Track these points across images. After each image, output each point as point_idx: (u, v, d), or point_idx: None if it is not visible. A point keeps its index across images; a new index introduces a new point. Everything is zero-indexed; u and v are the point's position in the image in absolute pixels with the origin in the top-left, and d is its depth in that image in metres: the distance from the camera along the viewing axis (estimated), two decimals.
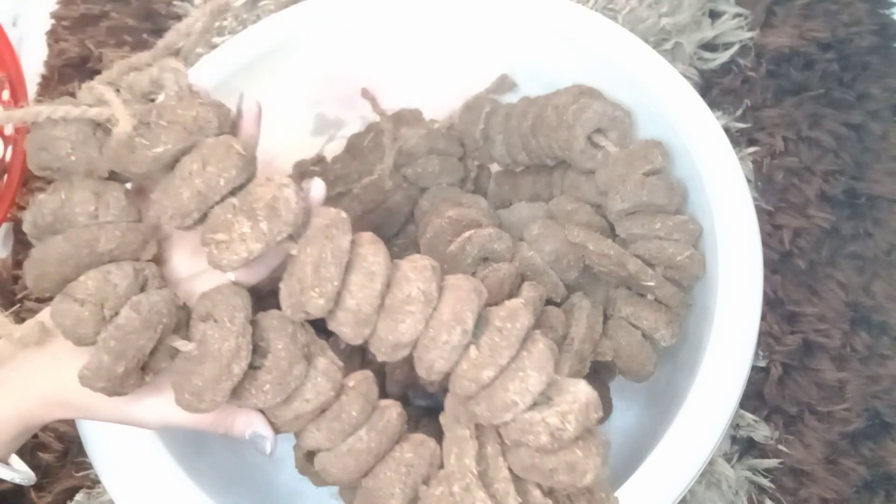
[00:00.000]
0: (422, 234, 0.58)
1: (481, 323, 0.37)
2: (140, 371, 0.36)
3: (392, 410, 0.41)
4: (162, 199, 0.36)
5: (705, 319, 0.50)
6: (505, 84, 0.64)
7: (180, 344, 0.37)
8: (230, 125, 0.38)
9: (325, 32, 0.62)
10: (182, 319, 0.38)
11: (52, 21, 0.87)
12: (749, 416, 0.65)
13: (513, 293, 0.53)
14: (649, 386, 0.57)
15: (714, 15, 0.81)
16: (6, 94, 0.76)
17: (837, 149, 0.74)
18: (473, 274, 0.53)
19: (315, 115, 0.67)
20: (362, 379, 0.40)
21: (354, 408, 0.39)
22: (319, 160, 0.67)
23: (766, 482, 0.63)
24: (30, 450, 0.67)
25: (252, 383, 0.37)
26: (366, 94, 0.66)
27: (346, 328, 0.36)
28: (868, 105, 0.76)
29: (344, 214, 0.37)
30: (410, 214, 0.64)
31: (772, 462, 0.64)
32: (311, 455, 0.41)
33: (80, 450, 0.64)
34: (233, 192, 0.36)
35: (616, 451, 0.60)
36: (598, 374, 0.58)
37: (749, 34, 0.79)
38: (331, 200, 0.64)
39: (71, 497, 0.65)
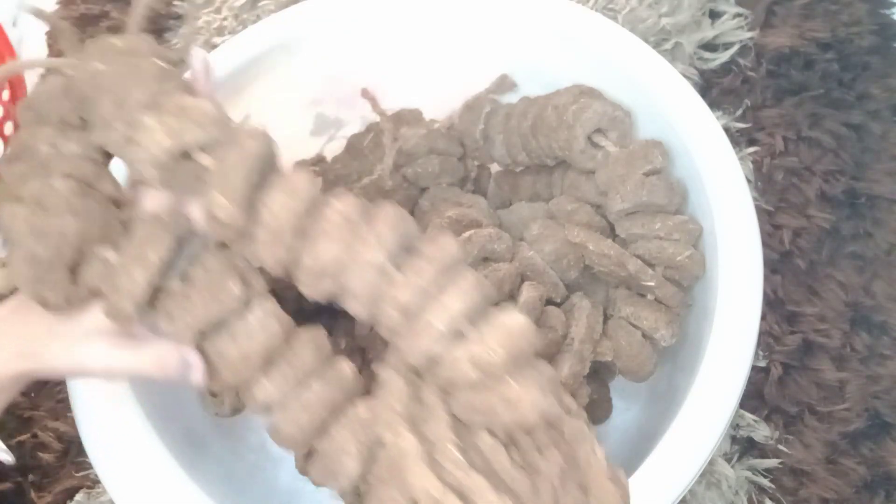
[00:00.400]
0: None
1: (411, 252, 0.36)
2: (68, 273, 0.37)
3: (345, 364, 0.40)
4: (93, 115, 0.37)
5: (705, 319, 0.50)
6: (505, 84, 0.64)
7: (110, 254, 0.37)
8: (167, 60, 0.39)
9: (325, 32, 0.62)
10: (120, 236, 0.38)
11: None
12: (749, 416, 0.65)
13: (513, 293, 0.53)
14: (649, 386, 0.57)
15: (714, 15, 0.81)
16: (6, 95, 0.76)
17: (837, 149, 0.74)
18: None
19: (315, 115, 0.67)
20: (314, 329, 0.40)
21: (305, 353, 0.39)
22: (319, 160, 0.67)
23: (766, 482, 0.63)
24: (30, 450, 0.67)
25: (182, 298, 0.37)
26: (366, 94, 0.66)
27: (264, 249, 0.36)
28: (868, 105, 0.76)
29: (262, 130, 0.37)
30: (411, 214, 0.64)
31: (772, 462, 0.64)
32: (310, 454, 0.41)
33: (80, 450, 0.64)
34: (152, 103, 0.36)
35: (616, 451, 0.60)
36: (598, 374, 0.58)
37: (749, 34, 0.79)
38: None
39: (71, 497, 0.65)
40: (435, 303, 0.35)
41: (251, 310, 0.38)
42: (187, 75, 0.41)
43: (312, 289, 0.37)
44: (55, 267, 0.36)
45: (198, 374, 0.39)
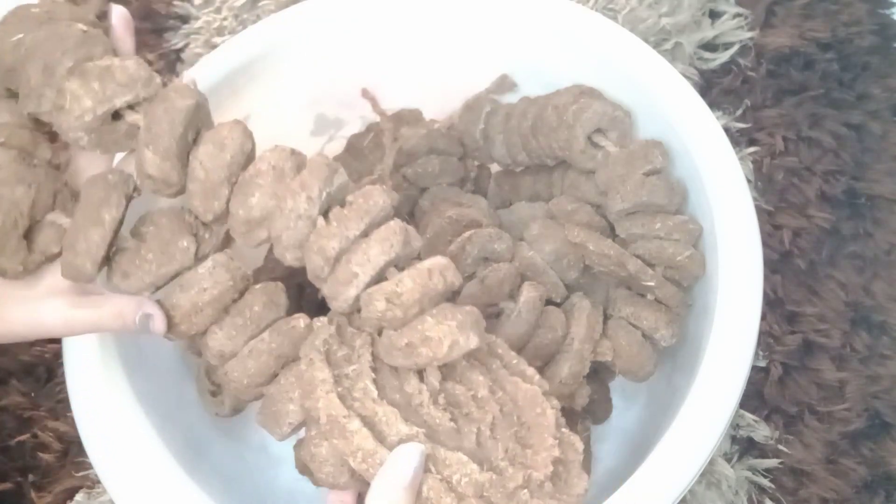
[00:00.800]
0: (422, 234, 0.58)
1: (336, 202, 0.37)
2: (23, 241, 0.37)
3: (300, 320, 0.41)
4: (20, 84, 0.37)
5: (705, 319, 0.50)
6: (505, 84, 0.64)
7: (59, 218, 0.38)
8: (89, 22, 0.39)
9: (325, 32, 0.62)
10: (67, 199, 0.39)
11: None
12: (749, 416, 0.65)
13: (513, 293, 0.53)
14: (649, 386, 0.57)
15: (714, 15, 0.81)
16: None
17: (837, 149, 0.74)
18: (473, 274, 0.53)
19: (315, 115, 0.67)
20: (272, 286, 0.41)
21: (257, 304, 0.40)
22: None
23: (766, 482, 0.63)
24: (30, 450, 0.67)
25: (136, 255, 0.38)
26: (366, 94, 0.66)
27: (197, 200, 0.37)
28: (868, 105, 0.76)
29: (192, 86, 0.38)
30: (410, 214, 0.64)
31: (772, 462, 0.64)
32: (308, 454, 0.41)
33: (80, 450, 0.64)
34: (77, 68, 0.37)
35: (616, 451, 0.60)
36: (598, 374, 0.58)
37: (749, 34, 0.79)
38: None
39: (71, 497, 0.65)
40: (357, 251, 0.36)
41: (204, 266, 0.39)
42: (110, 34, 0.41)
43: (246, 238, 0.38)
44: (10, 236, 0.37)
45: (159, 323, 0.39)
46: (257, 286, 0.41)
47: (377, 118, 0.65)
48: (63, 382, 0.55)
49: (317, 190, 0.36)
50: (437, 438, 0.35)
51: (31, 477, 0.66)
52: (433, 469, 0.34)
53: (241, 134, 0.37)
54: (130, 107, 0.37)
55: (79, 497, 0.65)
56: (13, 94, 0.40)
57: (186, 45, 0.84)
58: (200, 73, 0.59)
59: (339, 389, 0.35)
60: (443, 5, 0.62)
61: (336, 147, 0.67)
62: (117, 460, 0.47)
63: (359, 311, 0.38)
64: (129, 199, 0.38)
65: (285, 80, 0.63)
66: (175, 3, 0.87)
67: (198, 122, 0.38)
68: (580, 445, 0.38)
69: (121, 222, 0.38)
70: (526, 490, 0.35)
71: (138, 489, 0.46)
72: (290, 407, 0.40)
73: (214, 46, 0.65)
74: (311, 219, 0.36)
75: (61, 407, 0.68)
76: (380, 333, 0.38)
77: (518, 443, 0.37)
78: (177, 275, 0.39)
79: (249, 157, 0.38)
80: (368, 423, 0.35)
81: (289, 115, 0.65)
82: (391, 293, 0.36)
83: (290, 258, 0.38)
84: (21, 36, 0.37)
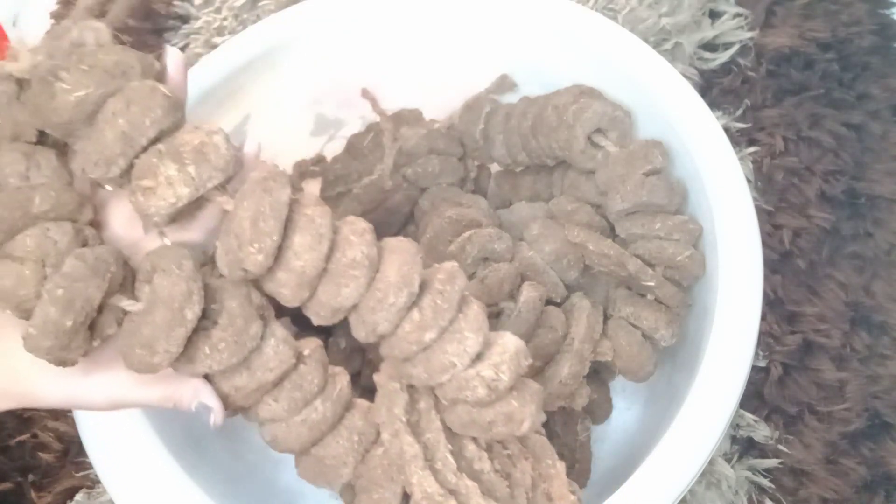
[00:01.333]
0: (422, 234, 0.58)
1: (421, 285, 0.37)
2: (88, 332, 0.34)
3: (343, 378, 0.40)
4: (85, 146, 0.34)
5: (705, 319, 0.50)
6: (505, 84, 0.64)
7: (127, 304, 0.35)
8: (155, 75, 0.36)
9: (325, 32, 0.62)
10: (128, 279, 0.36)
11: (52, 21, 0.87)
12: (749, 416, 0.65)
13: (513, 293, 0.53)
14: (649, 386, 0.57)
15: (714, 15, 0.81)
16: None
17: (837, 149, 0.74)
18: (473, 274, 0.53)
19: (315, 115, 0.67)
20: (316, 347, 0.40)
21: (315, 377, 0.39)
22: (319, 160, 0.67)
23: (766, 482, 0.63)
24: (30, 450, 0.67)
25: (206, 342, 0.35)
26: (366, 94, 0.66)
27: (287, 290, 0.35)
28: (868, 105, 0.76)
29: (281, 169, 0.36)
30: (410, 214, 0.64)
31: (772, 462, 0.64)
32: (303, 455, 0.41)
33: (80, 450, 0.64)
34: (159, 138, 0.34)
35: (616, 451, 0.60)
36: (598, 374, 0.58)
37: (749, 34, 0.79)
38: (331, 200, 0.64)
39: (71, 497, 0.65)
40: (453, 341, 0.36)
41: (267, 342, 0.37)
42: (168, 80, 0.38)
43: (326, 321, 0.37)
44: (79, 332, 0.34)
45: (218, 416, 0.37)
46: (307, 354, 0.39)
47: (377, 118, 0.65)
48: None
49: (416, 285, 0.36)
50: None
51: (31, 477, 0.66)
52: None
53: (330, 218, 0.36)
54: (217, 188, 0.35)
55: (79, 497, 0.65)
56: (45, 141, 0.37)
57: (186, 45, 0.84)
58: (200, 73, 0.59)
59: (426, 463, 0.37)
60: (443, 5, 0.62)
61: (336, 147, 0.67)
62: (117, 460, 0.47)
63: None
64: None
65: (285, 80, 0.63)
66: (175, 3, 0.87)
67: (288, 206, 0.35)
68: (580, 494, 0.41)
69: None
70: None
71: (138, 489, 0.46)
72: (342, 470, 0.39)
73: (214, 46, 0.65)
74: (408, 310, 0.36)
75: None
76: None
77: (546, 498, 0.40)
78: (243, 361, 0.37)
79: (332, 241, 0.36)
80: (456, 498, 0.36)
81: (289, 115, 0.65)
82: (491, 382, 0.36)
83: (370, 339, 0.37)
84: (89, 91, 0.33)
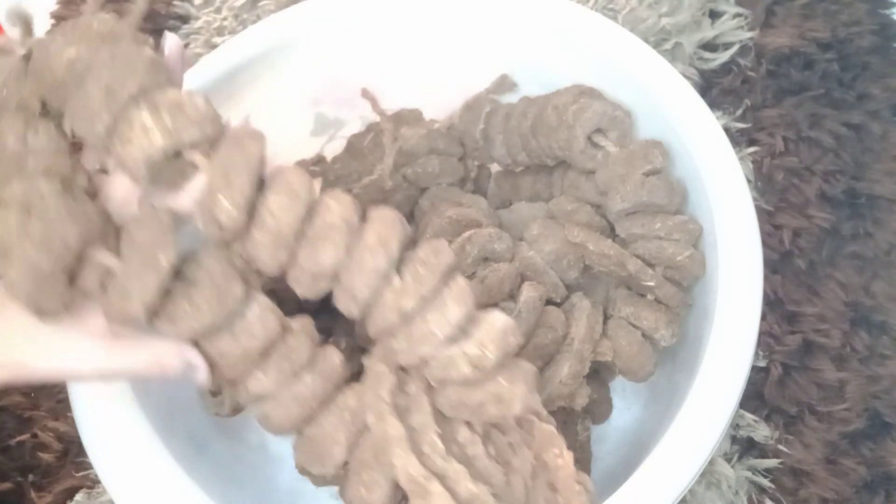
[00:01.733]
0: (422, 234, 0.58)
1: (405, 257, 0.37)
2: (67, 281, 0.35)
3: (335, 355, 0.40)
4: (73, 104, 0.35)
5: (705, 319, 0.50)
6: (505, 84, 0.64)
7: (106, 257, 0.36)
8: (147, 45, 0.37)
9: (325, 32, 0.62)
10: (111, 235, 0.37)
11: (52, 21, 0.87)
12: (749, 416, 0.65)
13: (513, 293, 0.53)
14: (649, 386, 0.57)
15: (714, 15, 0.81)
16: None
17: (837, 149, 0.74)
18: (473, 274, 0.53)
19: (315, 115, 0.67)
20: (306, 321, 0.40)
21: (303, 348, 0.39)
22: (319, 160, 0.67)
23: (766, 482, 0.63)
24: (30, 450, 0.67)
25: (186, 300, 0.36)
26: (366, 94, 0.66)
27: (264, 252, 0.36)
28: (868, 105, 0.76)
29: (259, 130, 0.36)
30: (410, 214, 0.64)
31: (772, 462, 0.64)
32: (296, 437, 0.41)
33: (80, 450, 0.64)
34: (142, 95, 0.35)
35: (616, 451, 0.60)
36: (598, 374, 0.58)
37: (749, 34, 0.79)
38: None
39: (71, 497, 0.65)
40: (434, 310, 0.36)
41: (250, 307, 0.37)
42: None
43: (308, 289, 0.37)
44: (56, 277, 0.35)
45: (202, 374, 0.38)
46: (296, 326, 0.39)
47: (377, 118, 0.65)
48: (63, 382, 0.55)
49: (395, 248, 0.36)
50: (497, 496, 0.37)
51: (31, 477, 0.66)
52: None
53: (310, 182, 0.36)
54: (194, 146, 0.36)
55: (79, 497, 0.65)
56: (47, 113, 0.37)
57: (186, 45, 0.84)
58: (200, 73, 0.59)
59: (412, 446, 0.36)
60: (443, 5, 0.62)
61: (336, 147, 0.67)
62: (117, 460, 0.47)
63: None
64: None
65: (285, 80, 0.63)
66: (175, 3, 0.87)
67: (264, 166, 0.36)
68: (592, 487, 0.40)
69: (177, 267, 0.36)
70: None
71: (138, 489, 0.46)
72: (335, 450, 0.39)
73: (214, 46, 0.65)
74: (389, 276, 0.36)
75: (61, 407, 0.68)
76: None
77: (549, 489, 0.39)
78: (225, 322, 0.37)
79: (311, 205, 0.37)
80: (442, 482, 0.36)
81: (289, 115, 0.65)
82: (476, 359, 0.36)
83: (353, 309, 0.37)
84: (79, 51, 0.35)
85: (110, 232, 0.37)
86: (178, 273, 0.37)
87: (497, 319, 0.37)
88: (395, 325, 0.37)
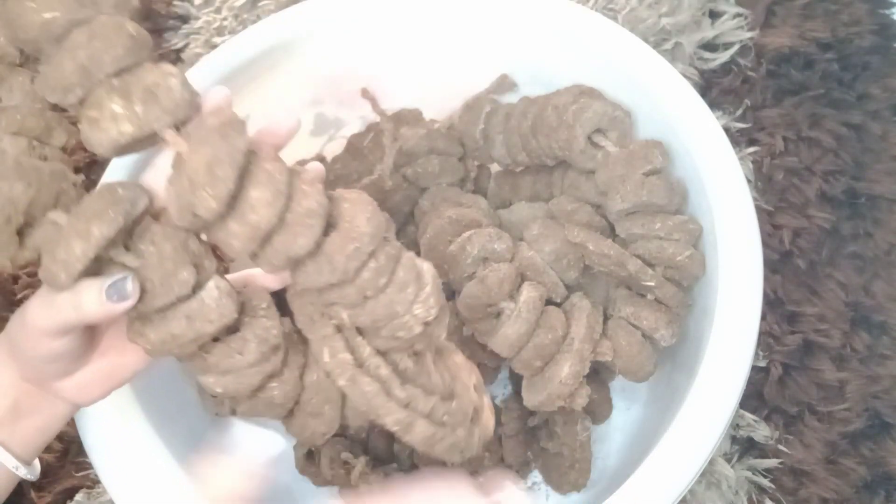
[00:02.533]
0: (422, 234, 0.58)
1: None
2: (16, 237, 0.36)
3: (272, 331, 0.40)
4: (46, 70, 0.34)
5: (705, 319, 0.50)
6: (505, 84, 0.64)
7: (59, 217, 0.35)
8: (129, 11, 0.37)
9: (325, 32, 0.63)
10: (72, 200, 0.37)
11: None
12: (749, 416, 0.65)
13: (513, 293, 0.53)
14: (649, 386, 0.57)
15: (714, 15, 0.81)
16: None
17: (837, 149, 0.74)
18: (473, 274, 0.53)
19: (315, 115, 0.67)
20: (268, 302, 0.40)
21: (257, 330, 0.39)
22: (319, 160, 0.67)
23: (766, 482, 0.63)
24: None
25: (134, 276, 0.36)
26: (366, 94, 0.66)
27: (237, 241, 0.35)
28: (868, 105, 0.76)
29: (240, 116, 0.36)
30: (410, 214, 0.64)
31: (772, 462, 0.64)
32: (310, 454, 0.41)
33: (80, 450, 0.64)
34: (119, 74, 0.34)
35: (616, 451, 0.60)
36: (598, 374, 0.58)
37: (749, 34, 0.79)
38: None
39: (71, 497, 0.65)
40: (396, 289, 0.38)
41: (202, 289, 0.37)
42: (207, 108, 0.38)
43: (276, 270, 0.37)
44: (2, 231, 0.36)
45: (130, 283, 0.36)
46: (264, 305, 0.39)
47: (377, 118, 0.65)
48: None
49: (368, 244, 0.37)
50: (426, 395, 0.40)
51: None
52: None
53: (288, 175, 0.36)
54: (171, 127, 0.35)
55: (79, 497, 0.65)
56: (27, 60, 0.38)
57: (186, 45, 0.84)
58: (200, 73, 0.59)
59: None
60: (443, 5, 0.62)
61: (336, 147, 0.67)
62: (117, 460, 0.47)
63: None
64: (132, 218, 0.36)
65: (285, 80, 0.63)
66: (175, 3, 0.87)
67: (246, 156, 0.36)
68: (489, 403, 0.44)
69: (114, 241, 0.35)
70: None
71: (138, 489, 0.46)
72: (251, 380, 0.39)
73: (214, 46, 0.65)
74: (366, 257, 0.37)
75: None
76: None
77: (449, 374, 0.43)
78: (169, 306, 0.36)
79: (290, 195, 0.36)
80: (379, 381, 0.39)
81: (289, 115, 0.65)
82: (425, 318, 0.38)
83: (322, 283, 0.37)
84: (56, 15, 0.34)
85: (75, 199, 0.37)
86: (133, 247, 0.36)
87: (426, 274, 0.38)
88: (354, 302, 0.37)
